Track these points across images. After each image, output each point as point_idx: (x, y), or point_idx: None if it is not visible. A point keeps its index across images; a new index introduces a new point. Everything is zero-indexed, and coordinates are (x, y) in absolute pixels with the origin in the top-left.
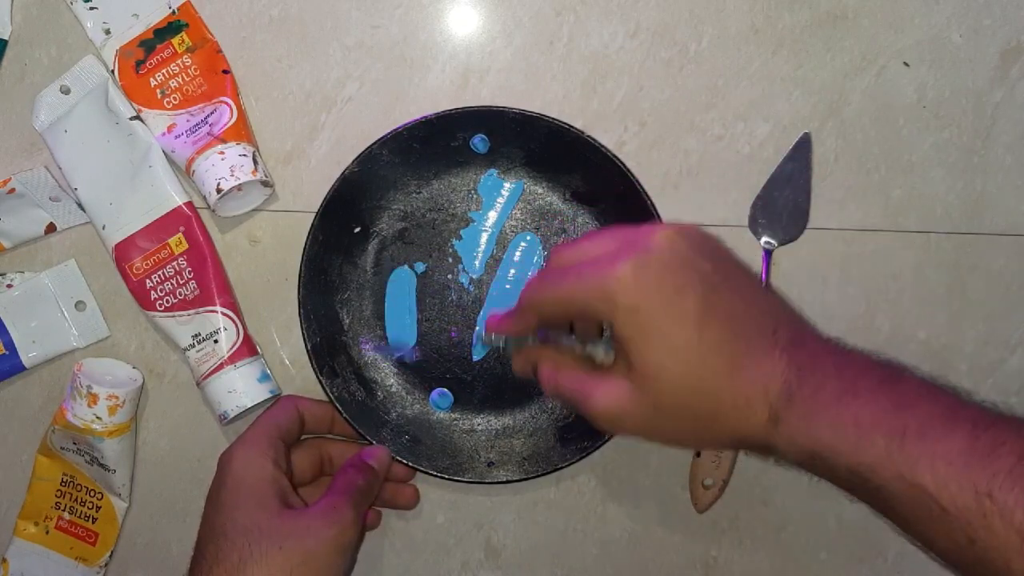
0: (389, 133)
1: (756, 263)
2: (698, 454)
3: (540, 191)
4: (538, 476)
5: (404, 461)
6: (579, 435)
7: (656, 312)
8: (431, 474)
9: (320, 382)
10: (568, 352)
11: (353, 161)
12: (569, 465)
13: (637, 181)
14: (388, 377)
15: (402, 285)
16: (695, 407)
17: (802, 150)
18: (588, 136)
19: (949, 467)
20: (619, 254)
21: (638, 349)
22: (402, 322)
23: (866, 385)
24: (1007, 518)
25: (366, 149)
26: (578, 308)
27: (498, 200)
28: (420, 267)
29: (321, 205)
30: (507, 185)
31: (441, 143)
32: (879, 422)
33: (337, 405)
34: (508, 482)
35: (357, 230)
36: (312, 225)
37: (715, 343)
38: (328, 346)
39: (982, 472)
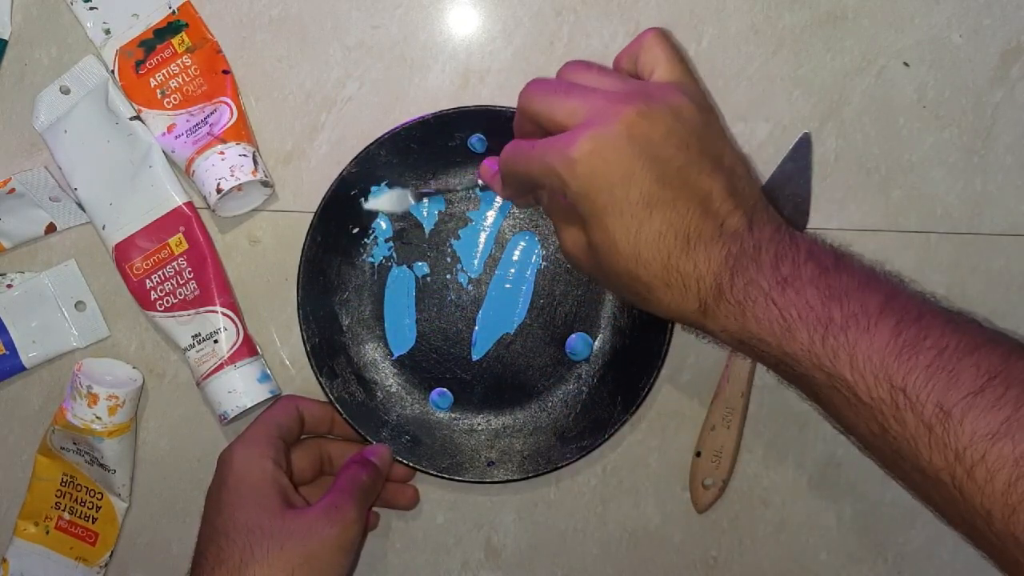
0: (387, 133)
1: None
2: (698, 454)
3: None
4: (538, 475)
5: (404, 461)
6: (579, 434)
7: (601, 199)
8: (431, 474)
9: (319, 383)
10: None
11: (351, 162)
12: (569, 464)
13: None
14: (388, 377)
15: (401, 285)
16: (632, 283)
17: (802, 150)
18: None
19: (868, 361)
20: (579, 131)
21: (586, 225)
22: (401, 322)
23: (802, 276)
24: (917, 411)
25: (364, 150)
26: (542, 186)
27: (496, 200)
28: (419, 267)
29: (319, 206)
30: None
31: (439, 143)
32: (805, 316)
33: (337, 406)
34: (508, 481)
35: (355, 231)
36: (310, 226)
37: (653, 236)
38: (327, 347)
39: (899, 367)
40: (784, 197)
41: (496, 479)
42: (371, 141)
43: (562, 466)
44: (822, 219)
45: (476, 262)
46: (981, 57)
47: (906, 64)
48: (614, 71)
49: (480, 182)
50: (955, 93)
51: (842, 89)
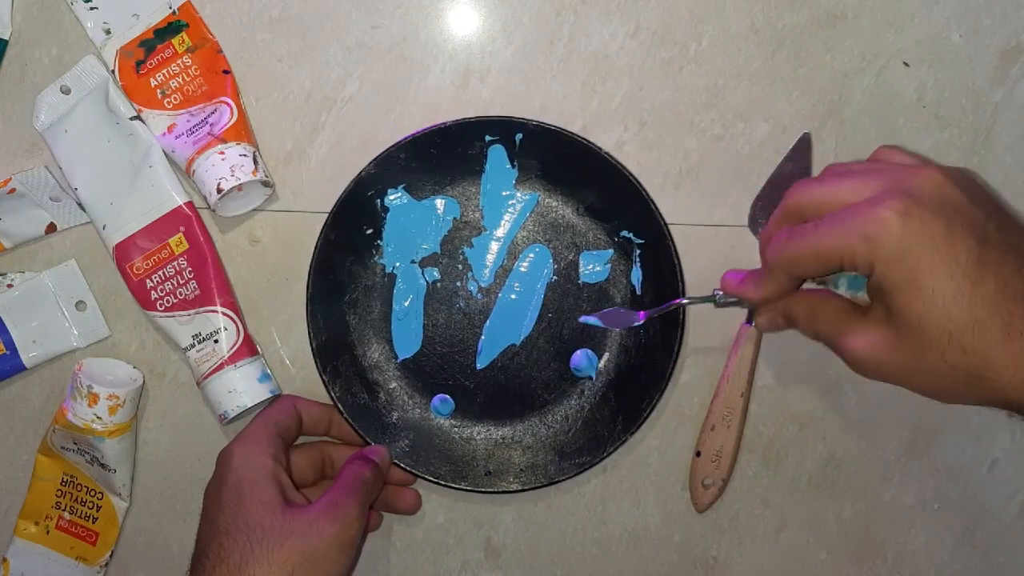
0: (408, 137)
1: (756, 263)
2: (698, 454)
3: (554, 204)
4: (535, 488)
5: (403, 465)
6: (577, 450)
7: (924, 261)
8: (429, 480)
9: (323, 382)
10: (821, 292)
11: (370, 163)
12: (566, 480)
13: (652, 201)
14: (391, 380)
15: (410, 289)
16: (961, 365)
17: (802, 150)
18: (606, 153)
19: None
20: (881, 198)
21: (901, 299)
22: (408, 326)
23: None
24: None
25: (384, 151)
26: (836, 260)
27: (511, 210)
28: (430, 272)
29: (335, 205)
30: (521, 196)
31: (459, 150)
32: None
33: (338, 405)
34: (505, 492)
35: (369, 231)
36: (324, 224)
37: (990, 297)
38: (333, 345)
39: None
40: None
41: (493, 489)
42: (372, 141)
43: (558, 481)
44: None
45: (487, 271)
46: (981, 57)
47: (906, 64)
48: (847, 173)
49: (718, 294)
50: (955, 93)
51: (842, 89)
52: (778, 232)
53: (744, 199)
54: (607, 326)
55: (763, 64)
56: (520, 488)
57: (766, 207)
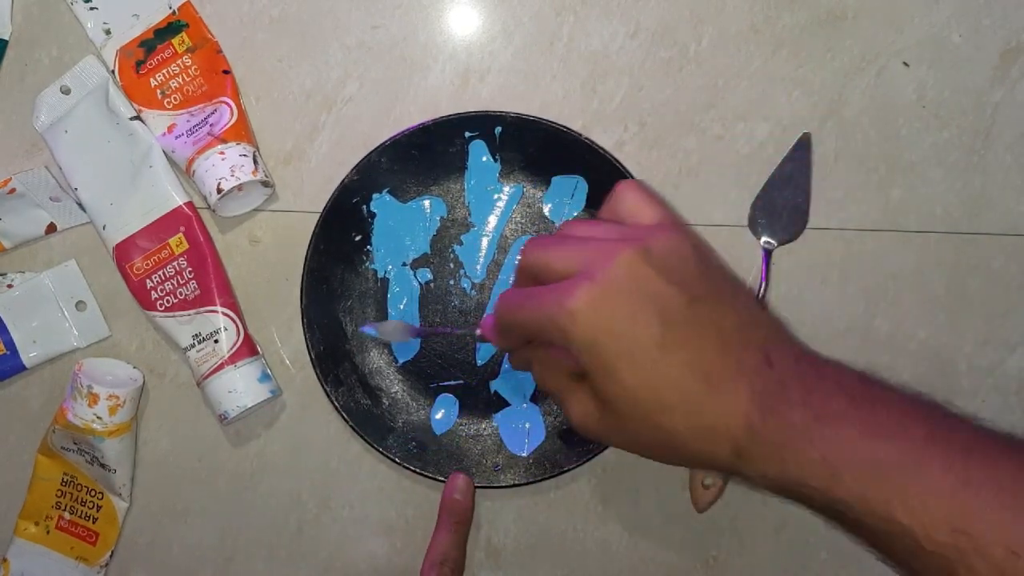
0: (387, 140)
1: (756, 263)
2: None
3: (540, 194)
4: (545, 479)
5: (412, 468)
6: (584, 438)
7: (609, 347)
8: (440, 480)
9: (325, 391)
10: (555, 350)
11: (352, 170)
12: (576, 467)
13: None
14: (393, 384)
15: (404, 292)
16: (656, 436)
17: (802, 150)
18: (586, 138)
19: (924, 503)
20: (576, 280)
21: (596, 379)
22: None
23: (836, 410)
24: (986, 555)
25: (364, 157)
26: (537, 336)
27: (498, 204)
28: (422, 273)
29: (320, 215)
30: (506, 189)
31: (440, 149)
32: (849, 457)
33: (343, 414)
34: (516, 486)
35: (358, 238)
36: (312, 234)
37: (671, 378)
38: (332, 354)
39: (957, 508)
40: (784, 197)
41: (504, 484)
42: (372, 141)
43: (568, 470)
44: (822, 219)
45: (479, 267)
46: (981, 57)
47: (906, 64)
48: (606, 220)
49: (478, 332)
50: (955, 93)
51: (842, 89)
52: (505, 291)
53: (744, 199)
54: (383, 337)
55: (763, 64)
56: (530, 480)
57: (766, 207)
